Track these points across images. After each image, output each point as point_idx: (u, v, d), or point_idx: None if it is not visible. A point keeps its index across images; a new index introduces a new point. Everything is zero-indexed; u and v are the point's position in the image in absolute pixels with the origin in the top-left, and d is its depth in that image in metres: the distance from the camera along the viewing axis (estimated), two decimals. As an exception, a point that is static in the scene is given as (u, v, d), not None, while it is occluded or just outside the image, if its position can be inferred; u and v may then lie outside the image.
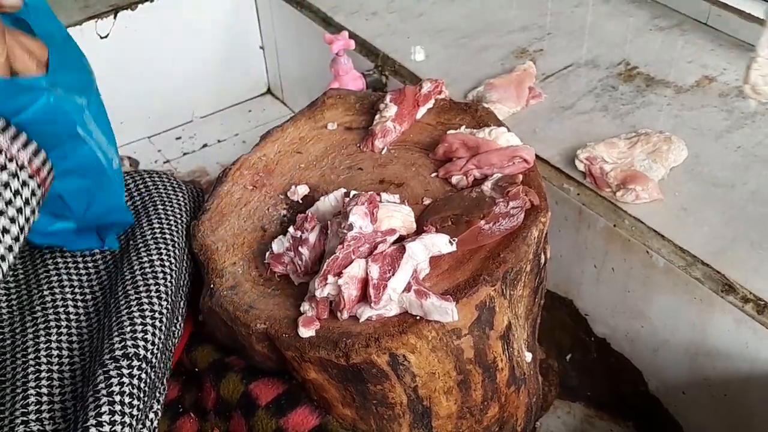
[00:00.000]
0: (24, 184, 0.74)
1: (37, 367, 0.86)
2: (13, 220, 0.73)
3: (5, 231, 0.72)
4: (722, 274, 1.05)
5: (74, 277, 0.97)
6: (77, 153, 0.83)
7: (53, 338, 0.89)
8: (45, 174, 0.78)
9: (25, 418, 0.81)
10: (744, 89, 0.97)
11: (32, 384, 0.84)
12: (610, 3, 1.62)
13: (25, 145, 0.75)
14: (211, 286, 0.91)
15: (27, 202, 0.75)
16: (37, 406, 0.83)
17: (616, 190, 1.16)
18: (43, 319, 0.91)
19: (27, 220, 0.75)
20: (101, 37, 1.83)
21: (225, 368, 0.94)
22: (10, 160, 0.73)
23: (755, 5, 1.41)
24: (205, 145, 2.05)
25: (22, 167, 0.74)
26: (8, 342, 0.89)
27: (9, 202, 0.72)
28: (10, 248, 0.72)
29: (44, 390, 0.84)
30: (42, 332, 0.89)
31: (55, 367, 0.87)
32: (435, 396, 0.89)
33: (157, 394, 0.89)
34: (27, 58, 0.77)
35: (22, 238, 0.74)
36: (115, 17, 1.83)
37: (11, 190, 0.73)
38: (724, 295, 1.04)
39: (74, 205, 0.90)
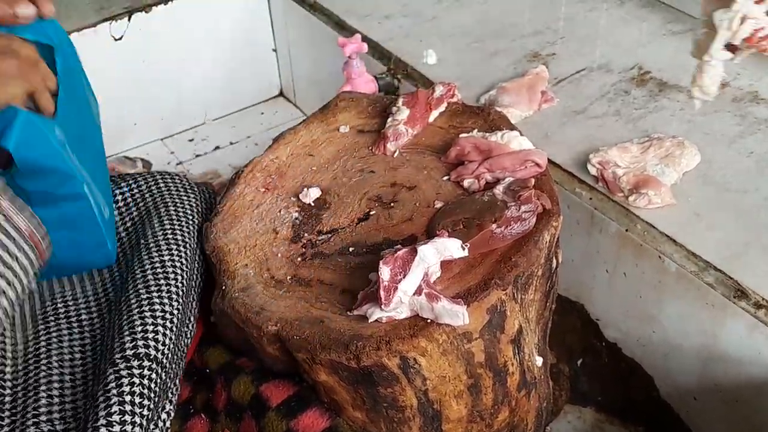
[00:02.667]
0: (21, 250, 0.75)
1: (48, 371, 0.87)
2: (9, 284, 0.73)
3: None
4: (735, 279, 1.04)
5: (87, 285, 0.98)
6: (75, 207, 0.86)
7: (65, 344, 0.90)
8: (44, 247, 0.78)
9: (36, 420, 0.82)
10: (693, 91, 1.04)
11: (43, 387, 0.85)
12: (623, 8, 1.62)
13: (23, 212, 0.76)
14: (223, 287, 0.91)
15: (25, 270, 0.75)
16: (48, 407, 0.83)
17: (628, 194, 1.15)
18: (55, 328, 0.92)
19: (22, 289, 0.75)
20: (115, 39, 1.84)
21: (236, 369, 0.94)
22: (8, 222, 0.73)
23: (770, 10, 1.41)
24: (217, 147, 2.06)
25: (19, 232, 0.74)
26: (20, 348, 0.90)
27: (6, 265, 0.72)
28: (5, 312, 0.72)
29: (55, 392, 0.85)
30: (54, 340, 0.90)
31: (67, 370, 0.88)
32: (445, 399, 0.89)
33: (170, 395, 0.89)
34: (47, 96, 0.78)
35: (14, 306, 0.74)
36: (129, 19, 1.84)
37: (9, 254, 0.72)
38: (736, 301, 1.04)
39: (58, 254, 0.91)
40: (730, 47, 0.97)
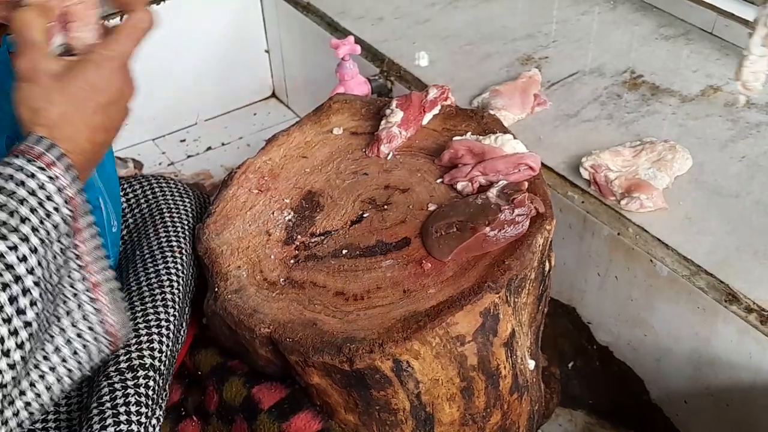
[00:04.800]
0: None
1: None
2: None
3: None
4: (726, 283, 1.05)
5: None
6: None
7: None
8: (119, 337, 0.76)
9: (31, 427, 0.81)
10: (736, 86, 1.00)
11: None
12: (616, 11, 1.62)
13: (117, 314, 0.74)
14: (216, 289, 0.91)
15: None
16: (44, 415, 0.83)
17: (620, 198, 1.16)
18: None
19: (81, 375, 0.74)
20: (107, 39, 1.83)
21: (228, 372, 0.94)
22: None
23: (761, 15, 1.42)
24: (209, 148, 2.06)
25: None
26: None
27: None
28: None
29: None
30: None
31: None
32: (438, 402, 0.89)
33: (160, 400, 0.89)
34: None
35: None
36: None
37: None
38: (727, 305, 1.04)
39: None
40: None
